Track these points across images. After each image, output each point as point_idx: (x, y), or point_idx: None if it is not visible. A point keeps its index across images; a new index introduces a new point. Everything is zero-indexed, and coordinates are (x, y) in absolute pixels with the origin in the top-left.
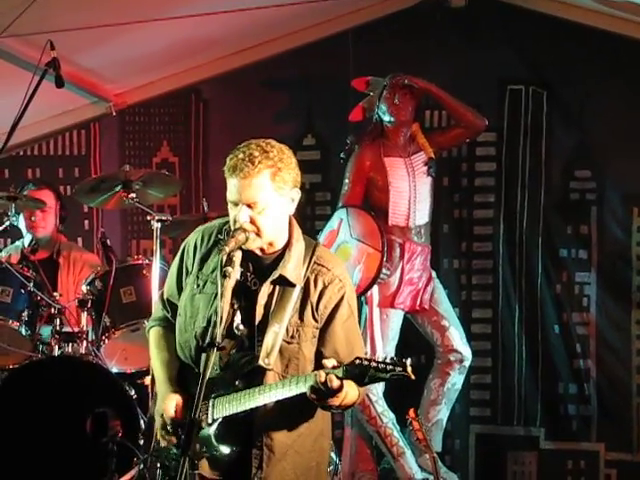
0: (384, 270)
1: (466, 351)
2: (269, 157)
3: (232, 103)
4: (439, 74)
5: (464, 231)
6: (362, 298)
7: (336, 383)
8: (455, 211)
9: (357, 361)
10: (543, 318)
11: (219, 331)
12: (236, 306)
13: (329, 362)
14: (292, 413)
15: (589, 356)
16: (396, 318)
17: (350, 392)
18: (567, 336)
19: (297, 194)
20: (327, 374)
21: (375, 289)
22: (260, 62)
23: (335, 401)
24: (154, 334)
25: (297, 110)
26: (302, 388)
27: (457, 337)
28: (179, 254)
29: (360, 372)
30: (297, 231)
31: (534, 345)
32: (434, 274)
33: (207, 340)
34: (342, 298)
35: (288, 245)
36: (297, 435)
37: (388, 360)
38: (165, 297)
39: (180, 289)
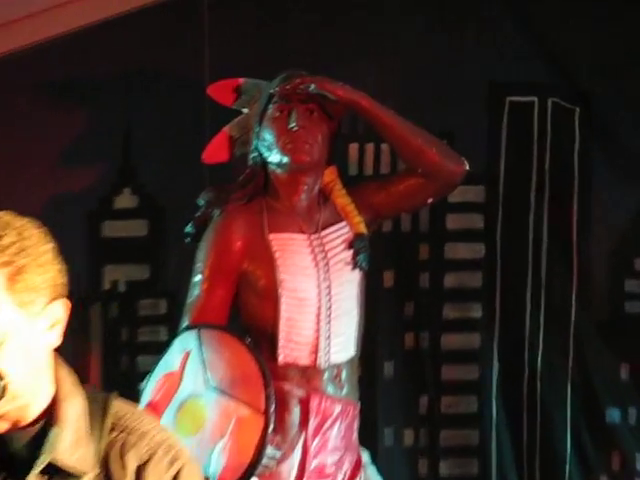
0: (270, 449)
1: None
2: (1, 247)
3: None
4: (378, 72)
5: (427, 376)
6: None
7: None
8: (407, 335)
9: None
10: None
11: None
12: None
13: None
14: None
15: None
16: None
17: None
18: None
19: (61, 311)
20: None
21: None
22: (27, 52)
23: None
24: None
25: (104, 142)
26: None
27: None
28: None
29: None
30: (67, 380)
31: None
32: (366, 456)
33: None
34: (178, 475)
35: (54, 407)
36: None
37: None
38: None
39: None
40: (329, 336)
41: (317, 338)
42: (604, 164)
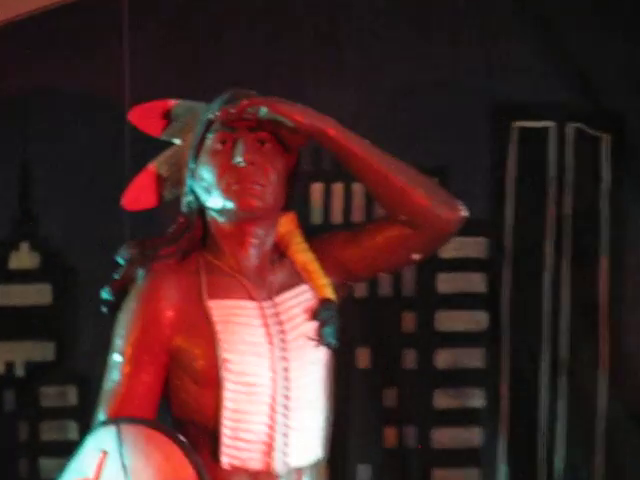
0: None
1: None
2: None
3: None
4: (349, 92)
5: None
6: None
7: None
8: (387, 430)
9: None
10: None
11: None
12: None
13: None
14: None
15: None
16: None
17: None
18: None
19: None
20: None
21: None
22: None
23: None
24: None
25: None
26: None
27: None
28: None
29: None
30: None
31: None
32: None
33: None
34: None
35: None
36: None
37: None
38: None
39: None
40: (287, 433)
41: (272, 435)
42: None
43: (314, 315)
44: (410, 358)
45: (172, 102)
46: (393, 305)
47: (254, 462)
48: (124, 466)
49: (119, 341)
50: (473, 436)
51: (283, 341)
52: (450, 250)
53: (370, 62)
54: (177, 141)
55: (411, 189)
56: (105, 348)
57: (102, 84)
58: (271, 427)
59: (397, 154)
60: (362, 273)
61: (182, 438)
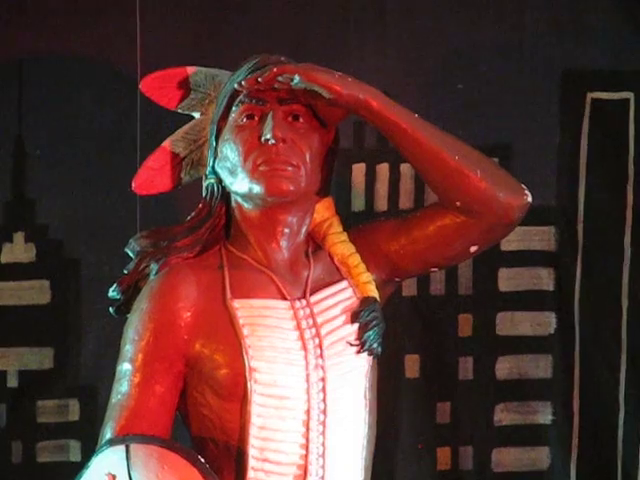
0: None
1: None
2: None
3: None
4: (395, 59)
5: None
6: None
7: None
8: (441, 451)
9: None
10: None
11: None
12: None
13: None
14: None
15: None
16: None
17: None
18: None
19: None
20: None
21: None
22: None
23: None
24: None
25: None
26: None
27: None
28: None
29: None
30: None
31: None
32: None
33: None
34: None
35: None
36: None
37: None
38: None
39: None
40: (323, 453)
41: (306, 456)
42: None
43: (355, 317)
44: (467, 367)
45: (190, 69)
46: (447, 305)
47: None
48: None
49: (129, 347)
50: (540, 457)
51: (319, 347)
52: (513, 242)
53: (420, 24)
54: (196, 115)
55: (467, 170)
56: (112, 355)
57: (110, 49)
58: (305, 447)
59: (451, 130)
60: (411, 268)
61: (201, 459)
